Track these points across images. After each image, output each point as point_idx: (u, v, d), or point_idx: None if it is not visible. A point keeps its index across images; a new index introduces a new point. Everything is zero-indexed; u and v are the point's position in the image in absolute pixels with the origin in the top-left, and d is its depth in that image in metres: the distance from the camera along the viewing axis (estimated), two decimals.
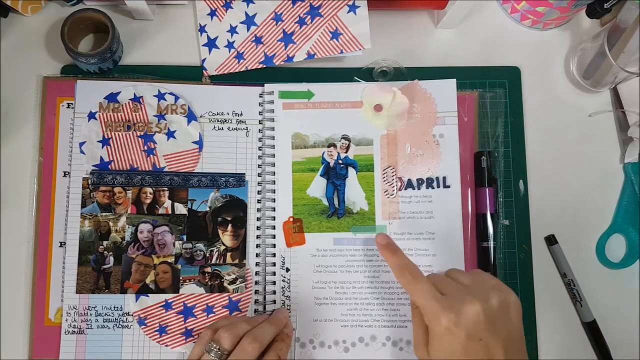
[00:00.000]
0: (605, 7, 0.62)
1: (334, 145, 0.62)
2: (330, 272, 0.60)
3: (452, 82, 0.63)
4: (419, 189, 0.61)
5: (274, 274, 0.60)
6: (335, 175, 0.62)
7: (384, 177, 0.62)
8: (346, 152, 0.62)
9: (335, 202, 0.61)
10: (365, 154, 0.62)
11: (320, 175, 0.62)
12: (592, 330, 0.63)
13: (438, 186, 0.61)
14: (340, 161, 0.62)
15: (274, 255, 0.61)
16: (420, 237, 0.61)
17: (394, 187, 0.61)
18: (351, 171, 0.62)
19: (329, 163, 0.62)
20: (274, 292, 0.60)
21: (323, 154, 0.62)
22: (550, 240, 0.64)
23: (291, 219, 0.61)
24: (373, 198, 0.61)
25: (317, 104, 0.63)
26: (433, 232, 0.61)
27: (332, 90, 0.63)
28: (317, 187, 0.62)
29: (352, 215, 0.61)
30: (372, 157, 0.62)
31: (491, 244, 0.62)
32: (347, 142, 0.62)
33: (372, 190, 0.62)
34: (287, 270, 0.60)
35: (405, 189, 0.61)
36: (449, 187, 0.61)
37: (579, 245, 0.65)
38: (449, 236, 0.60)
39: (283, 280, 0.60)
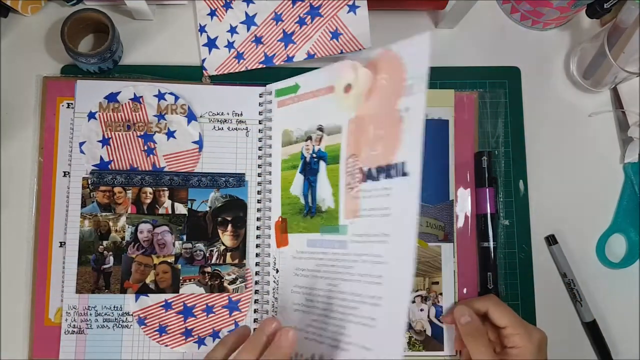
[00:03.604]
0: (605, 7, 0.62)
1: (311, 139, 0.56)
2: (303, 276, 0.55)
3: (425, 37, 0.47)
4: (378, 179, 0.49)
5: (269, 274, 0.60)
6: (310, 170, 0.55)
7: (347, 169, 0.52)
8: (319, 144, 0.55)
9: (310, 199, 0.56)
10: (334, 143, 0.54)
11: (300, 172, 0.57)
12: (592, 330, 0.63)
13: (397, 174, 0.47)
14: (314, 155, 0.55)
15: (269, 255, 0.61)
16: (374, 240, 0.49)
17: (355, 179, 0.51)
18: (322, 165, 0.55)
19: (306, 158, 0.57)
20: (268, 293, 0.60)
21: (302, 149, 0.57)
22: (550, 240, 0.64)
23: (280, 219, 0.60)
24: (338, 193, 0.53)
25: (301, 96, 0.59)
26: (387, 234, 0.48)
27: (314, 79, 0.57)
28: (297, 184, 0.57)
29: (322, 214, 0.55)
30: (339, 146, 0.53)
31: (491, 244, 0.62)
32: (321, 134, 0.55)
33: (337, 184, 0.53)
34: (277, 271, 0.60)
35: (366, 181, 0.50)
36: (407, 175, 0.47)
37: (579, 245, 0.65)
38: (402, 239, 0.46)
39: (274, 282, 0.60)
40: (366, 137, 0.51)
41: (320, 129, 0.56)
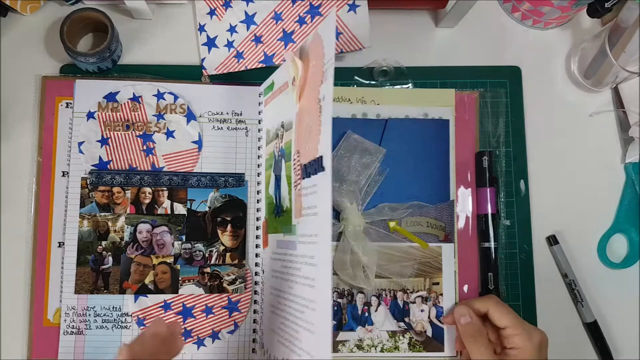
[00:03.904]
0: (606, 6, 0.62)
1: (278, 136, 0.56)
2: (276, 277, 0.55)
3: (332, 14, 0.44)
4: (309, 176, 0.47)
5: (258, 274, 0.60)
6: (278, 169, 0.55)
7: (293, 166, 0.50)
8: (282, 142, 0.54)
9: (278, 199, 0.55)
10: (288, 140, 0.52)
11: (273, 172, 0.57)
12: (593, 330, 0.63)
13: (319, 170, 0.45)
14: (280, 153, 0.55)
15: (258, 256, 0.60)
16: (309, 241, 0.47)
17: (297, 177, 0.49)
18: (283, 163, 0.54)
19: (276, 157, 0.56)
20: (257, 293, 0.60)
21: (274, 148, 0.57)
22: (551, 241, 0.64)
23: (265, 220, 0.60)
24: (290, 192, 0.52)
25: (275, 93, 0.58)
26: (316, 234, 0.46)
27: (281, 74, 0.55)
28: (271, 184, 0.57)
29: (284, 214, 0.53)
30: (291, 142, 0.51)
31: (492, 244, 0.61)
32: (282, 130, 0.55)
33: (290, 183, 0.51)
34: (264, 272, 0.59)
35: (304, 178, 0.48)
36: (324, 169, 0.44)
37: (580, 245, 0.64)
38: (324, 239, 0.44)
39: (262, 282, 0.60)
40: (303, 130, 0.48)
41: (282, 125, 0.55)
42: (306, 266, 0.47)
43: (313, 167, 0.46)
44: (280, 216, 0.54)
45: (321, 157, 0.44)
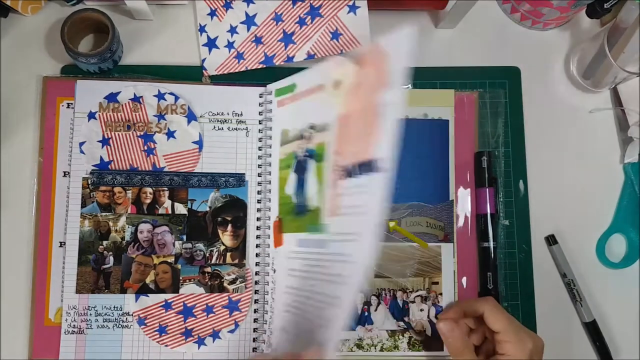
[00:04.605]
0: (605, 7, 0.62)
1: (303, 137, 0.56)
2: (294, 276, 0.55)
3: (410, 32, 0.45)
4: (358, 176, 0.48)
5: (268, 274, 0.60)
6: (302, 169, 0.55)
7: (331, 166, 0.51)
8: (310, 142, 0.55)
9: (301, 198, 0.56)
10: (323, 141, 0.53)
11: (293, 171, 0.57)
12: (592, 330, 0.63)
13: (372, 171, 0.46)
14: (306, 153, 0.55)
15: (268, 255, 0.61)
16: (348, 239, 0.48)
17: (337, 177, 0.50)
18: (311, 163, 0.54)
19: (298, 157, 0.57)
20: (267, 293, 0.60)
21: (296, 148, 0.58)
22: (550, 240, 0.64)
23: (277, 219, 0.60)
24: (322, 191, 0.53)
25: (298, 95, 0.59)
26: (360, 233, 0.47)
27: (309, 77, 0.57)
28: (290, 183, 0.58)
29: (309, 213, 0.54)
30: (326, 144, 0.53)
31: (491, 244, 0.62)
32: (312, 132, 0.55)
33: (322, 182, 0.52)
34: (275, 271, 0.60)
35: (347, 178, 0.49)
36: (380, 171, 0.46)
37: (579, 245, 0.65)
38: (369, 239, 0.45)
39: (272, 282, 0.60)
40: (351, 133, 0.50)
41: (312, 127, 0.56)
42: (338, 264, 0.47)
43: (366, 168, 0.46)
44: (304, 215, 0.54)
45: (378, 159, 0.45)
